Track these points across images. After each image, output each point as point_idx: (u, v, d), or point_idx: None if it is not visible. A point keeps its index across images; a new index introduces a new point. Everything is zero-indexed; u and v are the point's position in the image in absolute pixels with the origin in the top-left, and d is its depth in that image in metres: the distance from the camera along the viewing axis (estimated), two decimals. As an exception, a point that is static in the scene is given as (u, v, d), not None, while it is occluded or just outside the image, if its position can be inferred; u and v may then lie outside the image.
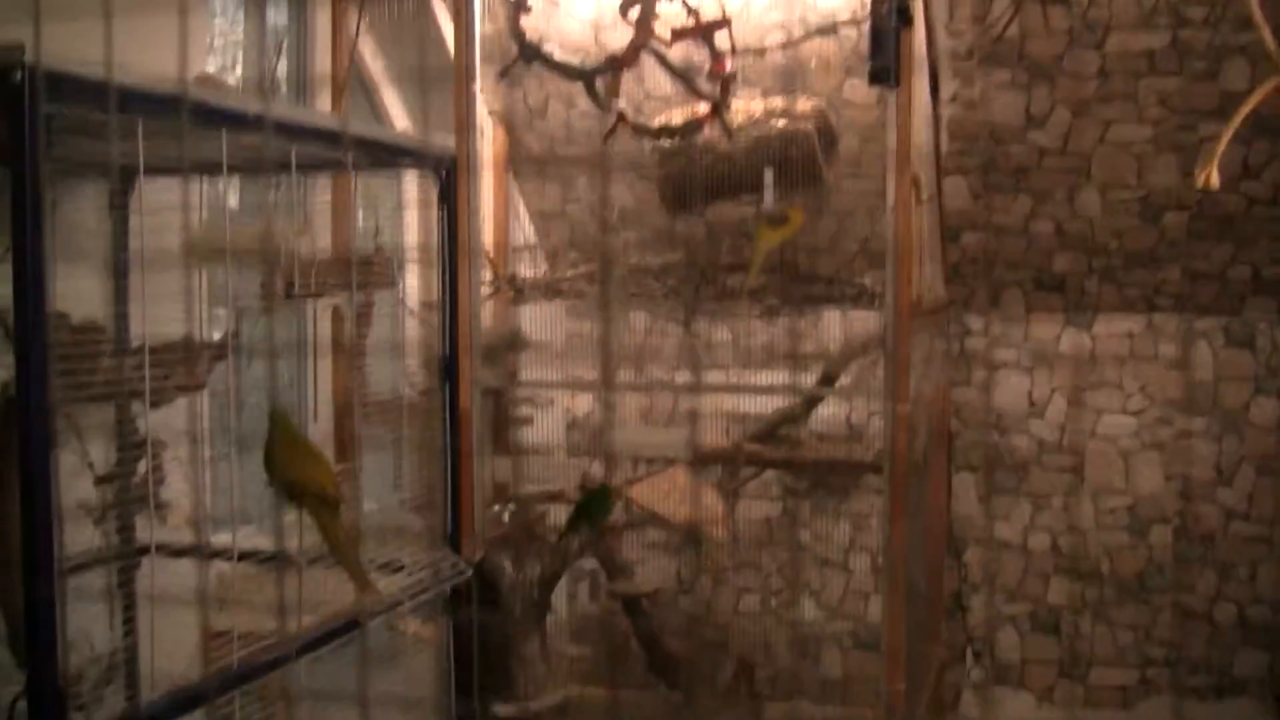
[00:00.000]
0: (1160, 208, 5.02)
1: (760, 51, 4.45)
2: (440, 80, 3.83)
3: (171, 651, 2.73)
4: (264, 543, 3.18)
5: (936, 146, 4.73)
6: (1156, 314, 5.24)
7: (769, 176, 4.22)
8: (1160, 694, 5.33)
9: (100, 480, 2.69)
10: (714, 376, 5.22)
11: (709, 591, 5.51)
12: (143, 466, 2.75)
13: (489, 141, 4.45)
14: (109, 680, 2.66)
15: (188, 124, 2.29)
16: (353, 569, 2.75)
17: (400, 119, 4.23)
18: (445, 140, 3.40)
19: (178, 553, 2.78)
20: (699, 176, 4.31)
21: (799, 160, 4.25)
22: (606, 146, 4.28)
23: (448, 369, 3.48)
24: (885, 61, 3.56)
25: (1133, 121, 4.89)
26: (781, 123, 4.23)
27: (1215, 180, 2.68)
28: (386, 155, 3.12)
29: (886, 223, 4.04)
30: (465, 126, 3.68)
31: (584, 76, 4.13)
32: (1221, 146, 2.74)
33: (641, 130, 4.19)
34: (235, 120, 2.51)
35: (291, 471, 2.71)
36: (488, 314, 4.41)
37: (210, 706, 2.75)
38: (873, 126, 4.45)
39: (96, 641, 2.82)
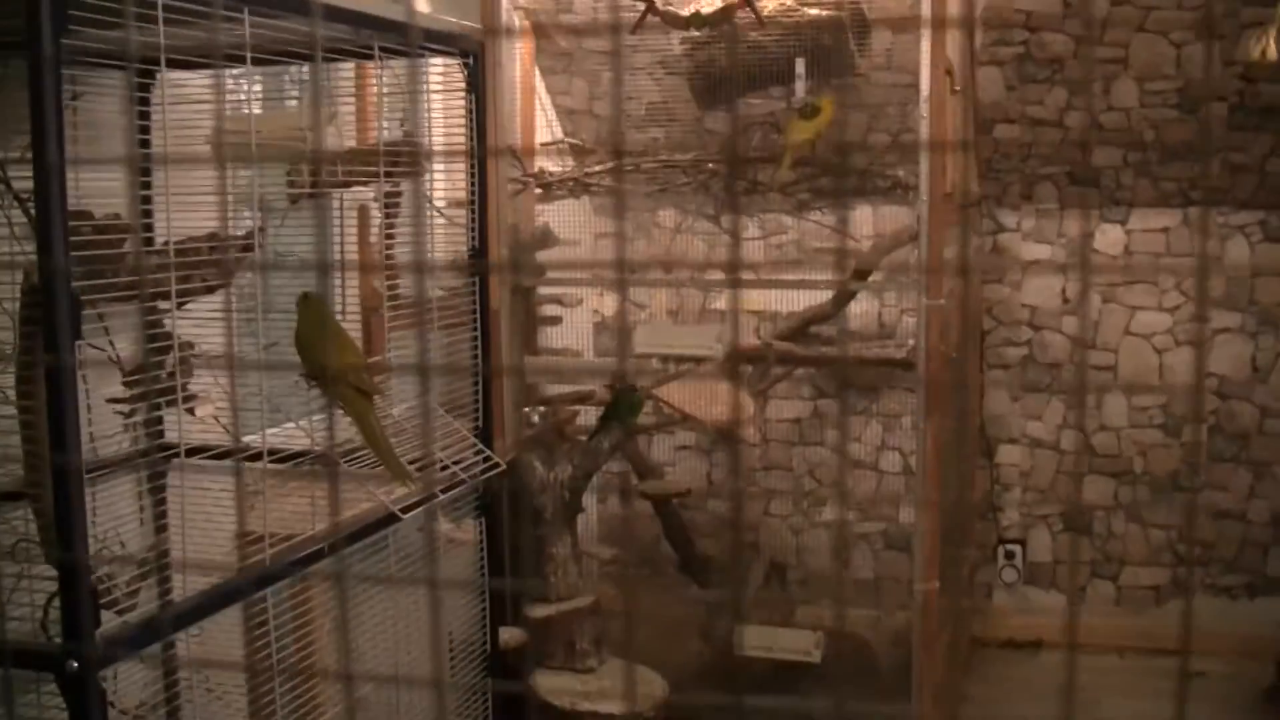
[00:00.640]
0: (1199, 98, 4.90)
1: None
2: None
3: (205, 550, 2.69)
4: (297, 443, 3.14)
5: (970, 36, 4.62)
6: (1193, 208, 5.14)
7: (800, 67, 4.12)
8: (1193, 595, 5.29)
9: (128, 376, 2.63)
10: (744, 274, 5.15)
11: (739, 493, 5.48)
12: (170, 363, 2.69)
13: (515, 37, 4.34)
14: (142, 579, 2.63)
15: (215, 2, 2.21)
16: (389, 459, 2.70)
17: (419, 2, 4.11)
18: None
19: (204, 450, 2.73)
20: (729, 68, 4.21)
21: (831, 50, 4.14)
22: (635, 38, 4.18)
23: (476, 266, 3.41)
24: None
25: (1172, 8, 4.75)
26: (814, 11, 4.11)
27: (1274, 52, 2.59)
28: (411, 40, 3.03)
29: (920, 115, 3.95)
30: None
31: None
32: None
33: (671, 20, 4.08)
34: (260, 2, 2.43)
35: (325, 358, 2.65)
36: (514, 211, 4.34)
37: (246, 605, 2.72)
38: (906, 15, 4.34)
39: (128, 542, 2.79)
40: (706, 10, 4.08)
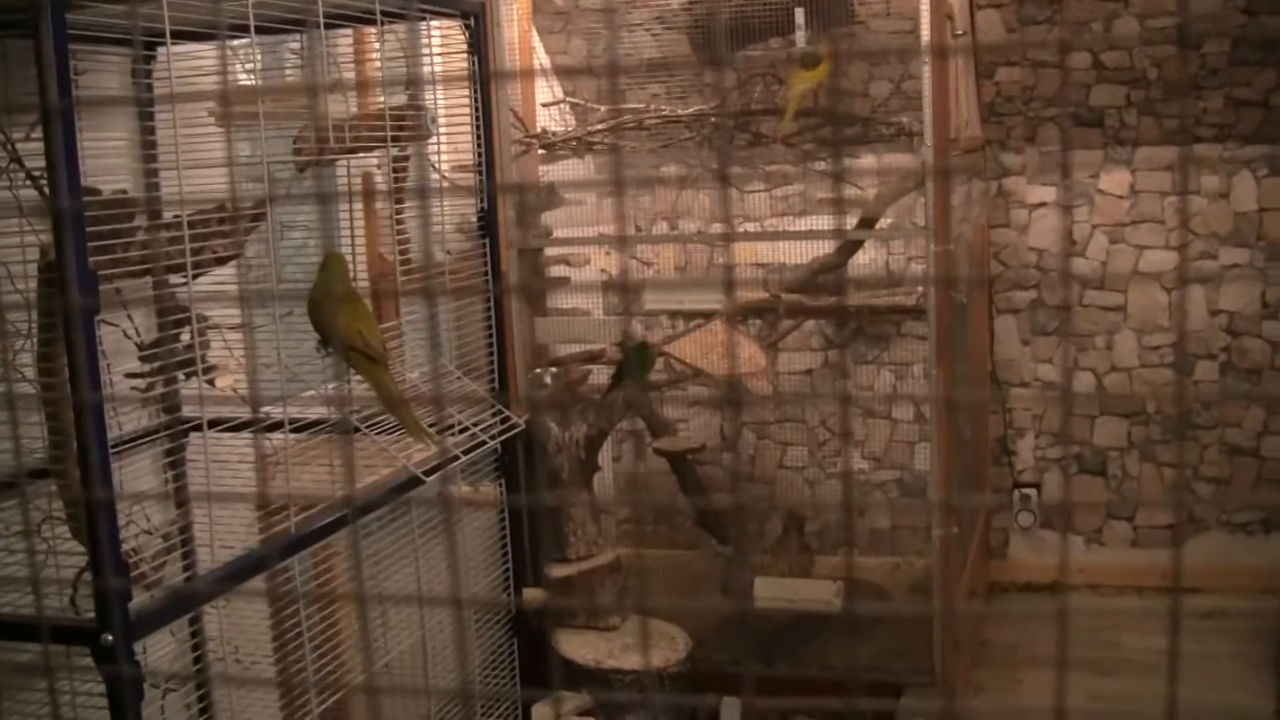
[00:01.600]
0: (1200, 34, 4.87)
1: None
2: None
3: (229, 521, 2.71)
4: (314, 413, 3.14)
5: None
6: (1198, 145, 5.11)
7: (800, 16, 4.10)
8: (1209, 531, 5.30)
9: (144, 350, 2.63)
10: (750, 227, 5.14)
11: (753, 446, 5.48)
12: (186, 337, 2.70)
13: (510, -3, 4.32)
14: (168, 552, 2.63)
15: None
16: (408, 420, 2.70)
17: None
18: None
19: (223, 423, 2.74)
20: (727, 20, 4.19)
21: (830, -1, 4.12)
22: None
23: (486, 228, 3.40)
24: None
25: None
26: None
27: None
28: (412, 2, 3.01)
29: (921, 61, 3.93)
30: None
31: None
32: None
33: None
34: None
35: (333, 323, 2.65)
36: (518, 173, 4.33)
37: (271, 574, 2.73)
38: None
39: (151, 516, 2.79)
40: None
